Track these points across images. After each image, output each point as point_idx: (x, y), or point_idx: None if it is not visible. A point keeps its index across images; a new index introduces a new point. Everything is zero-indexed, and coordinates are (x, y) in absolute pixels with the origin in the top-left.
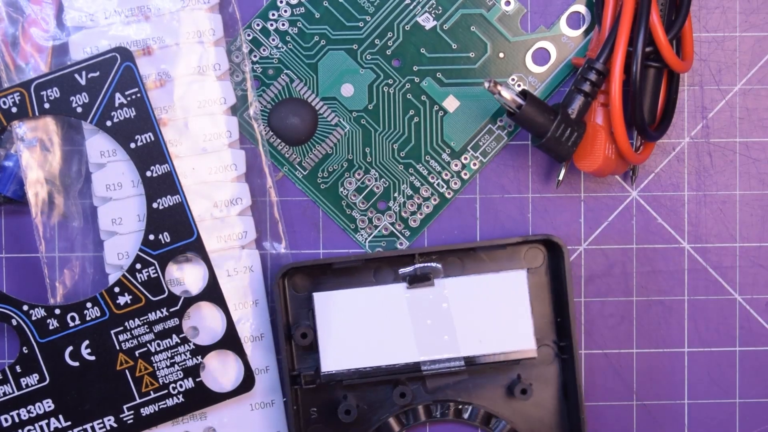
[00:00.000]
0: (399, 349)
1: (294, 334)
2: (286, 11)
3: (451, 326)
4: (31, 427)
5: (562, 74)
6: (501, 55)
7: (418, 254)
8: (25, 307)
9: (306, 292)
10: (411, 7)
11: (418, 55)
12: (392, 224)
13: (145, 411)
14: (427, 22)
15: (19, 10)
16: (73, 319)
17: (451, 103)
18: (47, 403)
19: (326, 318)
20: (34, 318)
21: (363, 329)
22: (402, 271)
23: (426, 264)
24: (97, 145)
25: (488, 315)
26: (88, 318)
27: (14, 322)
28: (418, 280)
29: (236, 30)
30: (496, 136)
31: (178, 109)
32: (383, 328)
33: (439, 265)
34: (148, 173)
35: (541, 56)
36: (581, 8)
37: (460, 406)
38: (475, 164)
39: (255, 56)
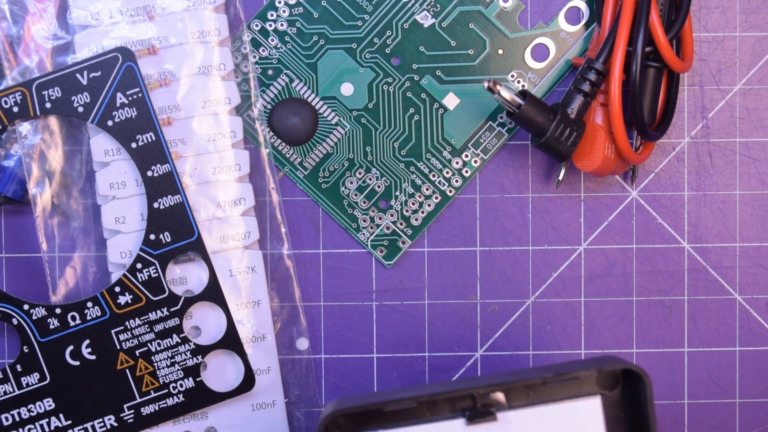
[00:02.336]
0: None
1: None
2: (284, 11)
3: None
4: (31, 426)
5: (561, 70)
6: (500, 51)
7: (477, 393)
8: (26, 307)
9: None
10: (409, 5)
11: (418, 53)
12: (394, 223)
13: (146, 410)
14: (426, 19)
15: (22, 8)
16: (73, 318)
17: (451, 101)
18: (48, 402)
19: None
20: (34, 317)
21: None
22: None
23: (486, 393)
24: (102, 143)
25: None
26: (88, 317)
27: (15, 322)
28: (478, 415)
29: (241, 31)
30: (497, 133)
31: (182, 108)
32: None
33: (501, 395)
34: (149, 173)
35: (541, 52)
36: (580, 3)
37: None
38: (476, 161)
39: (254, 57)
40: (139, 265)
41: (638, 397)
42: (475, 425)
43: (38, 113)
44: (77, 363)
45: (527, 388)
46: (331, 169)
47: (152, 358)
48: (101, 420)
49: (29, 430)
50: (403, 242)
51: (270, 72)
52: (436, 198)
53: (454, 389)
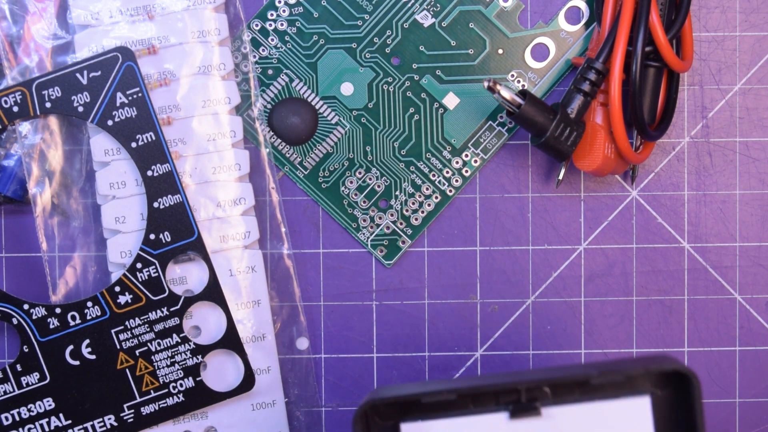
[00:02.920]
0: None
1: None
2: (284, 11)
3: None
4: (31, 426)
5: (561, 70)
6: (500, 51)
7: (522, 387)
8: (26, 306)
9: (392, 421)
10: (409, 5)
11: (417, 52)
12: (394, 223)
13: (146, 410)
14: (426, 19)
15: (22, 8)
16: (73, 318)
17: (451, 101)
18: (48, 401)
19: None
20: (34, 317)
21: None
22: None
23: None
24: (102, 143)
25: None
26: (88, 317)
27: (15, 321)
28: (523, 409)
29: (241, 30)
30: (497, 133)
31: (182, 108)
32: None
33: (547, 390)
34: (149, 173)
35: (540, 52)
36: (580, 3)
37: None
38: (476, 161)
39: (254, 56)
40: (139, 265)
41: (687, 398)
42: (519, 420)
43: (38, 113)
44: (77, 363)
45: (574, 385)
46: (331, 169)
47: (152, 357)
48: (101, 420)
49: (29, 429)
50: (403, 242)
51: (270, 72)
52: (436, 198)
53: (498, 382)
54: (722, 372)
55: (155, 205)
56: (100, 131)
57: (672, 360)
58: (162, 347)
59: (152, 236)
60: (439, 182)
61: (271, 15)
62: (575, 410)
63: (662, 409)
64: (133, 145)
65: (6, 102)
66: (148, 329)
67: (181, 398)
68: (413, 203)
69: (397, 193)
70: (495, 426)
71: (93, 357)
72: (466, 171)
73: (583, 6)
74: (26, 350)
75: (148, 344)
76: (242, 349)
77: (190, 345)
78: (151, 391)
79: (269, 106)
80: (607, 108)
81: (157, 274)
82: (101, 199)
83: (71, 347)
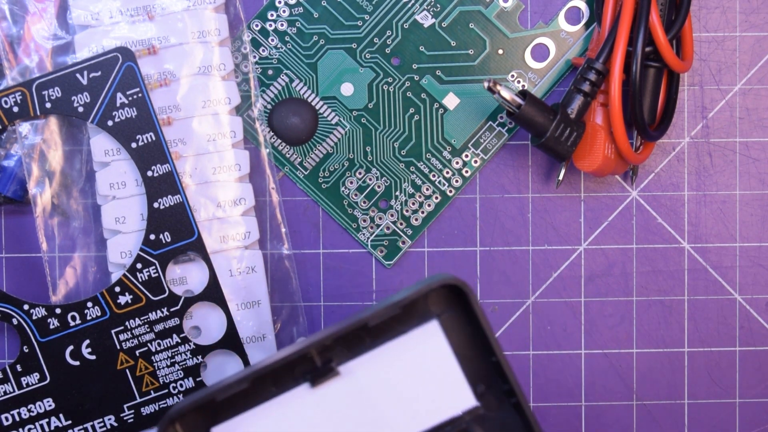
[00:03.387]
0: None
1: None
2: (284, 11)
3: (377, 414)
4: (31, 426)
5: (561, 70)
6: (500, 51)
7: (314, 349)
8: (26, 307)
9: (204, 429)
10: (409, 5)
11: (418, 53)
12: (394, 223)
13: (146, 410)
14: (426, 19)
15: (22, 8)
16: (73, 318)
17: (451, 101)
18: (48, 402)
19: None
20: (34, 317)
21: None
22: (299, 370)
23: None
24: (102, 143)
25: (413, 385)
26: (88, 317)
27: (15, 322)
28: (320, 374)
29: (241, 31)
30: (497, 133)
31: (182, 108)
32: None
33: (338, 348)
34: (149, 173)
35: (541, 52)
36: (580, 3)
37: None
38: (476, 161)
39: (254, 57)
40: (139, 265)
41: (468, 308)
42: (322, 386)
43: (38, 113)
44: (77, 363)
45: (362, 333)
46: (331, 169)
47: (152, 358)
48: (101, 420)
49: (29, 430)
50: (403, 242)
51: (270, 72)
52: (436, 198)
53: (285, 355)
54: (722, 372)
55: (155, 205)
56: (100, 131)
57: (441, 276)
58: (162, 347)
59: (152, 236)
60: (439, 182)
61: (271, 15)
62: (371, 357)
63: (453, 327)
64: (133, 145)
65: (6, 102)
66: (148, 329)
67: (182, 398)
68: (413, 203)
69: (397, 193)
70: (300, 399)
71: (93, 357)
72: (466, 171)
73: (583, 6)
74: (26, 350)
75: (148, 344)
76: (242, 350)
77: (190, 345)
78: (151, 392)
79: (269, 106)
80: (607, 108)
81: (157, 275)
82: (101, 199)
83: (71, 347)
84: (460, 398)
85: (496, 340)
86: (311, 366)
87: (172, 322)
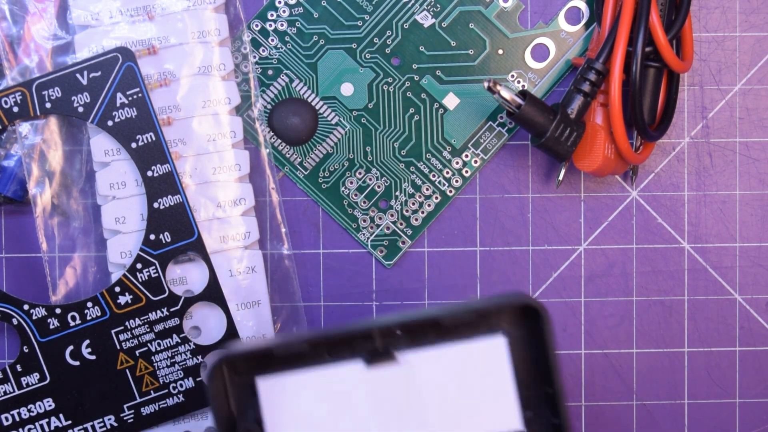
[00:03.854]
0: None
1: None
2: (284, 11)
3: (422, 409)
4: (31, 426)
5: (561, 70)
6: (500, 51)
7: (377, 330)
8: (26, 307)
9: (248, 377)
10: (409, 5)
11: (418, 53)
12: (394, 223)
13: (146, 410)
14: (426, 20)
15: (22, 8)
16: (73, 318)
17: (451, 101)
18: (48, 402)
19: (275, 408)
20: (34, 317)
21: (319, 419)
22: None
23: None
24: (102, 143)
25: (464, 391)
26: (88, 317)
27: (15, 322)
28: (378, 355)
29: (241, 31)
30: (497, 133)
31: (182, 108)
32: (343, 417)
33: (401, 335)
34: (149, 173)
35: (541, 52)
36: (580, 3)
37: None
38: (476, 162)
39: (254, 57)
40: (139, 265)
41: (540, 334)
42: (375, 367)
43: (38, 113)
44: (77, 363)
45: (429, 327)
46: (331, 169)
47: (152, 358)
48: (101, 420)
49: (29, 430)
50: (403, 242)
51: (270, 72)
52: (436, 198)
53: (351, 329)
54: (722, 372)
55: (155, 205)
56: (100, 131)
57: (522, 296)
58: (162, 347)
59: (152, 236)
60: (439, 182)
61: (271, 15)
62: (431, 354)
63: (519, 347)
64: (133, 145)
65: (6, 102)
66: (148, 330)
67: (181, 399)
68: (413, 203)
69: (397, 193)
70: (352, 374)
71: (93, 357)
72: (466, 171)
73: (583, 6)
74: (26, 350)
75: (148, 344)
76: None
77: (190, 345)
78: (151, 392)
79: (269, 106)
80: (607, 108)
81: (157, 275)
82: (101, 199)
83: (71, 347)
84: (507, 418)
85: (559, 373)
86: (371, 346)
87: (172, 322)
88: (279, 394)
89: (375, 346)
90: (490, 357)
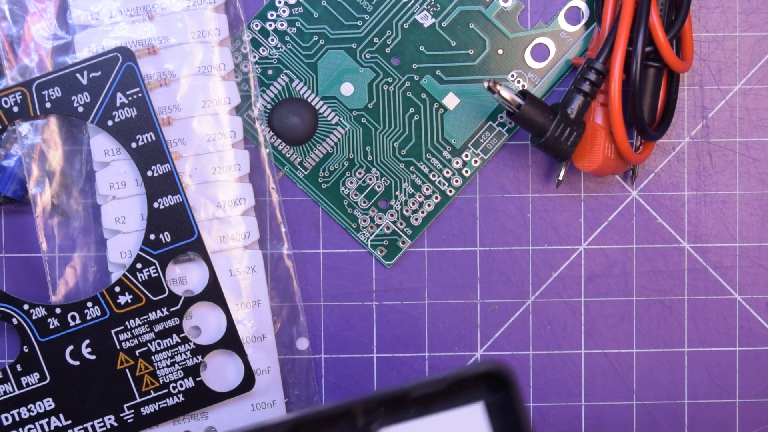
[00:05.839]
0: None
1: None
2: (284, 11)
3: None
4: (31, 426)
5: (561, 70)
6: (500, 51)
7: (359, 410)
8: (26, 307)
9: None
10: (409, 5)
11: (418, 53)
12: (394, 223)
13: (146, 410)
14: (426, 19)
15: (22, 8)
16: (73, 318)
17: (451, 101)
18: (48, 401)
19: None
20: (34, 317)
21: None
22: None
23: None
24: (102, 143)
25: None
26: (88, 317)
27: (15, 321)
28: None
29: (241, 31)
30: (497, 133)
31: (182, 108)
32: None
33: (382, 410)
34: (149, 173)
35: (541, 52)
36: (580, 3)
37: None
38: (476, 161)
39: (254, 57)
40: (139, 265)
41: (511, 397)
42: None
43: (38, 113)
44: (77, 363)
45: (406, 401)
46: (331, 169)
47: (152, 358)
48: (101, 420)
49: (29, 430)
50: (403, 242)
51: (270, 72)
52: (436, 198)
53: (329, 408)
54: (722, 372)
55: (155, 205)
56: (100, 131)
57: (487, 362)
58: (162, 347)
59: (152, 236)
60: (439, 182)
61: (271, 15)
62: (414, 427)
63: (497, 413)
64: (133, 145)
65: (6, 102)
66: (148, 329)
67: (181, 398)
68: (413, 203)
69: (397, 193)
70: None
71: (93, 357)
72: (466, 171)
73: (583, 6)
74: (26, 350)
75: (148, 344)
76: (242, 350)
77: (190, 345)
78: (151, 392)
79: (269, 106)
80: (607, 108)
81: (157, 275)
82: (101, 199)
83: (71, 347)
84: None
85: None
86: (352, 424)
87: (172, 322)
88: None
89: (356, 424)
90: (471, 426)
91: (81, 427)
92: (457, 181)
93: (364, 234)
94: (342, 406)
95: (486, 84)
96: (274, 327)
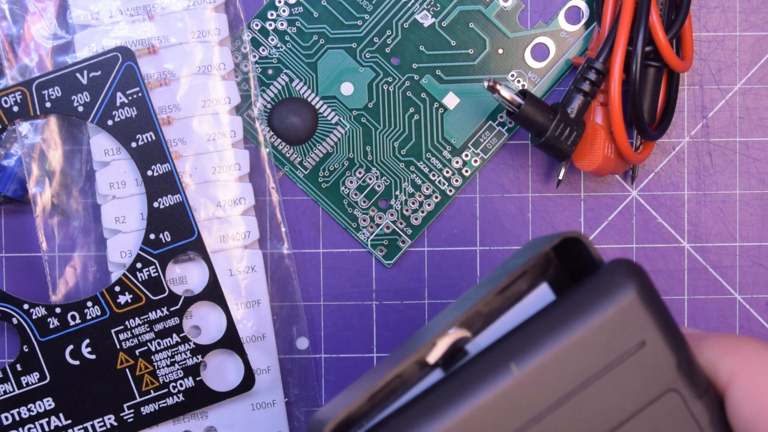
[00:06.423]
0: None
1: None
2: (284, 11)
3: None
4: (31, 426)
5: (561, 70)
6: (500, 51)
7: (438, 341)
8: (26, 306)
9: None
10: (409, 4)
11: (417, 52)
12: (394, 222)
13: (146, 410)
14: (426, 19)
15: (22, 8)
16: (73, 318)
17: (451, 100)
18: (48, 401)
19: None
20: (34, 317)
21: None
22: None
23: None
24: (102, 143)
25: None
26: (88, 317)
27: (15, 321)
28: (451, 359)
29: (241, 30)
30: (497, 133)
31: (182, 108)
32: None
33: (463, 331)
34: (149, 172)
35: (541, 52)
36: (580, 3)
37: None
38: (476, 161)
39: (254, 56)
40: (139, 265)
41: (579, 255)
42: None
43: (38, 113)
44: (77, 362)
45: (476, 311)
46: (331, 169)
47: (152, 357)
48: (101, 419)
49: (29, 429)
50: (403, 242)
51: (270, 72)
52: (436, 197)
53: (412, 351)
54: None
55: (155, 205)
56: (100, 131)
57: (547, 238)
58: (162, 347)
59: (152, 236)
60: (439, 182)
61: (271, 15)
62: (493, 331)
63: (564, 284)
64: (133, 145)
65: (6, 102)
66: (148, 329)
67: (181, 398)
68: (413, 203)
69: (397, 193)
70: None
71: (93, 357)
72: (466, 171)
73: (583, 6)
74: (26, 350)
75: (148, 344)
76: (242, 349)
77: (190, 345)
78: (151, 391)
79: (269, 106)
80: (607, 108)
81: (157, 274)
82: (101, 199)
83: (71, 347)
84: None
85: None
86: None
87: (172, 322)
88: None
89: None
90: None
91: (81, 426)
92: (457, 180)
93: (364, 234)
94: (421, 345)
95: (486, 83)
96: (274, 327)
